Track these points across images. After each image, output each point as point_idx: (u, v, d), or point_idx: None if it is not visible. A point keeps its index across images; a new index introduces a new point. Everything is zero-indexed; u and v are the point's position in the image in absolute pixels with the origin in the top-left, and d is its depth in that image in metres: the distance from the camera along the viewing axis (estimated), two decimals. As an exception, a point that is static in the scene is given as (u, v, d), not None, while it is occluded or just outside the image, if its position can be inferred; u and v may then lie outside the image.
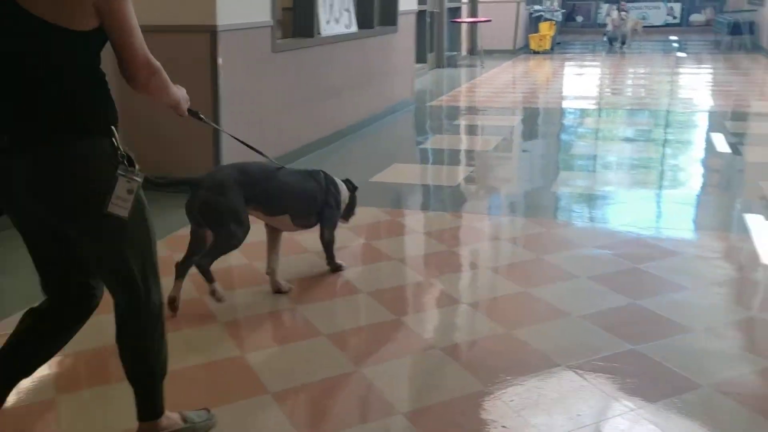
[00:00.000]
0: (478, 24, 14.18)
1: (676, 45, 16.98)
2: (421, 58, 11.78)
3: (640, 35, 16.55)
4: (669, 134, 7.18)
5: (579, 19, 21.63)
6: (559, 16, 16.39)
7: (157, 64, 1.93)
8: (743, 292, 3.38)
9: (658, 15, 20.50)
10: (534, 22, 15.92)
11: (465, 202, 5.00)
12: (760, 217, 4.40)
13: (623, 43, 15.91)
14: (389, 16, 8.01)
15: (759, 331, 2.99)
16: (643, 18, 20.24)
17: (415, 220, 4.51)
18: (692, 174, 5.69)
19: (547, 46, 15.28)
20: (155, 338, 2.06)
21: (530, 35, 15.53)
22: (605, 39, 16.51)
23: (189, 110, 2.24)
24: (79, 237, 1.96)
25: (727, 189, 5.26)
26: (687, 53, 15.18)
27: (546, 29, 15.38)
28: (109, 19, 1.83)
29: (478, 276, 3.60)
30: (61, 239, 1.99)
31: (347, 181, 3.61)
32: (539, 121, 8.31)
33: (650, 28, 19.84)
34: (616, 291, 3.25)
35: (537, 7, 16.26)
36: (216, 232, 3.09)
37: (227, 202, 3.06)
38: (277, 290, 3.30)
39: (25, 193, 1.89)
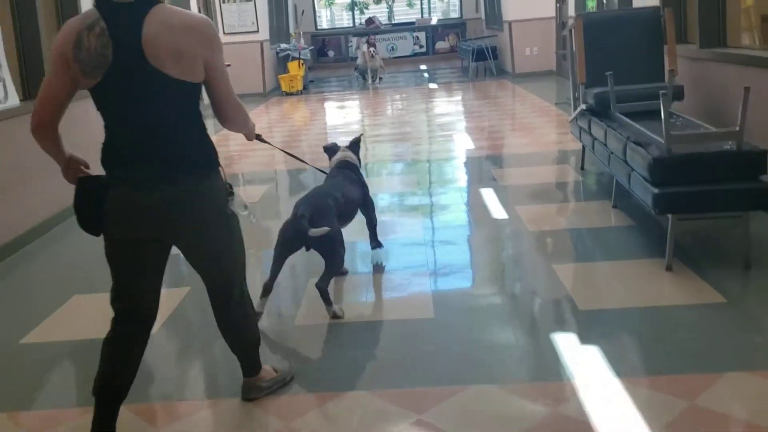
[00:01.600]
0: (221, 69, 12.44)
1: (426, 75, 16.42)
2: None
3: (385, 69, 15.64)
4: (437, 199, 5.86)
5: (331, 54, 20.64)
6: (307, 54, 15.07)
7: (240, 101, 2.40)
8: None
9: (405, 45, 20.04)
10: (282, 61, 14.48)
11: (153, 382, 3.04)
12: (571, 336, 3.12)
13: (374, 78, 14.98)
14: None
15: None
16: (392, 49, 19.74)
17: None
18: (479, 270, 4.21)
19: (300, 87, 13.90)
20: (251, 316, 2.62)
21: (280, 76, 14.06)
22: (356, 74, 15.53)
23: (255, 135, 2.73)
24: (199, 247, 2.37)
25: (524, 287, 3.92)
26: (438, 83, 14.54)
27: (295, 69, 13.99)
28: (213, 71, 2.22)
29: None
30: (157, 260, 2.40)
31: (352, 144, 4.08)
32: (288, 194, 6.71)
33: (400, 59, 19.34)
34: None
35: (284, 46, 14.84)
36: (329, 257, 3.38)
37: (337, 230, 3.40)
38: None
39: (159, 220, 2.25)
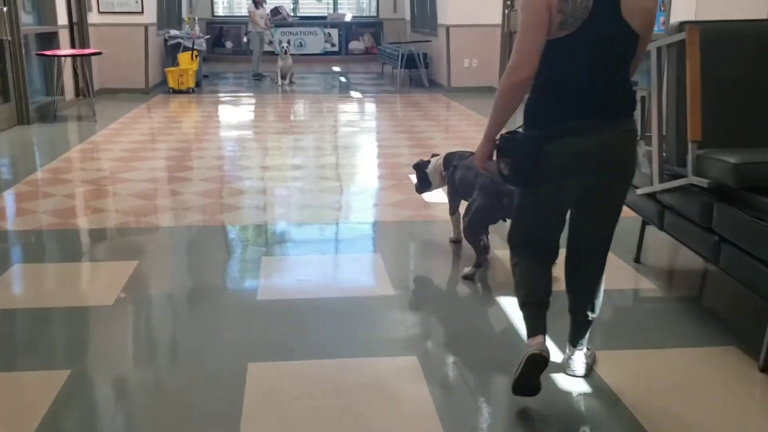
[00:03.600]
0: (93, 56, 9.49)
1: (344, 80, 13.94)
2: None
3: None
4: (391, 332, 3.49)
5: (229, 45, 17.76)
6: (203, 44, 12.19)
7: None
8: None
9: (316, 42, 17.46)
10: (171, 52, 11.59)
11: None
12: None
13: (284, 78, 12.40)
14: None
15: None
16: (301, 44, 17.15)
17: None
18: None
19: (191, 84, 11.08)
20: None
21: (167, 69, 11.17)
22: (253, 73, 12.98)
23: None
24: (614, 195, 2.46)
25: None
26: (363, 93, 12.03)
27: (187, 62, 11.15)
28: (648, 31, 2.30)
29: None
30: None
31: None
32: (155, 275, 4.08)
33: (309, 57, 16.78)
34: None
35: (174, 33, 11.94)
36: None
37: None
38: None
39: (598, 163, 2.32)
